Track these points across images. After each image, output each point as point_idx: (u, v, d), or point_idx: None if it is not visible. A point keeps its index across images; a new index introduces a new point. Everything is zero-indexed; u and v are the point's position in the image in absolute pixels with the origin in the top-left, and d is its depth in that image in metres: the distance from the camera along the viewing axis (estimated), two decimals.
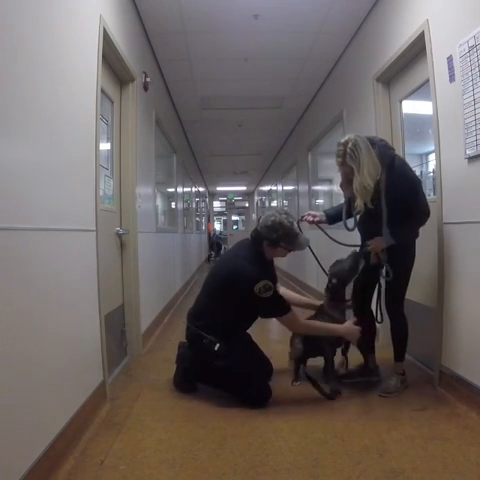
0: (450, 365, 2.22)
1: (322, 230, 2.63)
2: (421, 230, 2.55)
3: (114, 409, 2.17)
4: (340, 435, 1.87)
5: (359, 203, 2.17)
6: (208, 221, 15.59)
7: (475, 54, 1.93)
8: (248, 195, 18.22)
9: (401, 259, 2.28)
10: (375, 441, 1.80)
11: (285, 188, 8.87)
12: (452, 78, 2.13)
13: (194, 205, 9.64)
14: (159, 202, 4.74)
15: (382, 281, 2.39)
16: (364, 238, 2.41)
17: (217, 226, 18.99)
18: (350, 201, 2.33)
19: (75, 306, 1.90)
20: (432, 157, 2.71)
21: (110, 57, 2.61)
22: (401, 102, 3.01)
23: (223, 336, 2.27)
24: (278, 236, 2.26)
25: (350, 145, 2.13)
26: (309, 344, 2.45)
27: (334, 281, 2.37)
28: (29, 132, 1.49)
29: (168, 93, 5.08)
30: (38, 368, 1.50)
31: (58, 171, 1.75)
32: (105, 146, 2.79)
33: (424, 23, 2.37)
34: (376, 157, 2.14)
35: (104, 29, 2.31)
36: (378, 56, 3.11)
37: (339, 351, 2.59)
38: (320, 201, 5.93)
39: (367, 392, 2.34)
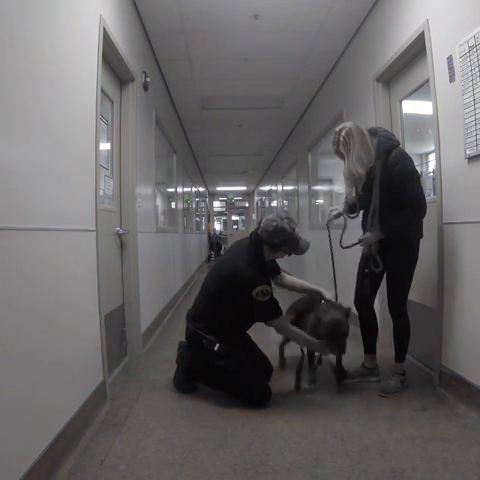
0: (450, 365, 2.22)
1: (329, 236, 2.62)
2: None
3: (114, 409, 2.17)
4: (340, 435, 1.87)
5: (349, 190, 2.24)
6: (208, 221, 15.59)
7: (475, 54, 1.92)
8: (248, 195, 18.23)
9: (403, 258, 2.27)
10: (375, 441, 1.80)
11: (285, 188, 8.88)
12: (452, 78, 2.13)
13: (194, 205, 9.64)
14: (159, 202, 4.74)
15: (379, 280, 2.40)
16: (362, 227, 2.42)
17: (217, 226, 18.98)
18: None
19: (75, 306, 1.90)
20: (432, 157, 2.71)
21: (110, 57, 2.61)
22: (401, 102, 3.01)
23: (222, 337, 2.28)
24: (279, 241, 2.26)
25: (343, 133, 2.20)
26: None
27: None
28: (29, 132, 1.49)
29: (168, 93, 5.08)
30: (38, 368, 1.50)
31: (58, 171, 1.75)
32: (105, 146, 2.79)
33: (424, 23, 2.37)
34: (373, 146, 2.18)
35: (104, 29, 2.31)
36: (378, 56, 3.11)
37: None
38: (320, 201, 5.93)
39: (367, 392, 2.34)
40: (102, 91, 2.38)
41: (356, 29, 3.58)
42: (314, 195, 5.96)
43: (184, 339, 2.46)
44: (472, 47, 1.94)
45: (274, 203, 10.80)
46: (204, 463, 1.66)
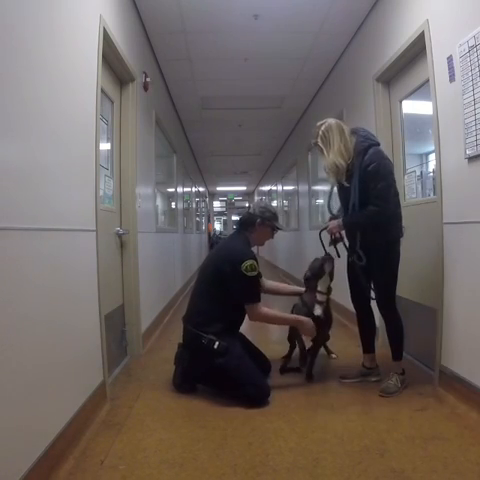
0: (450, 365, 2.22)
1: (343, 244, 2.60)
2: (421, 230, 2.56)
3: (114, 409, 2.17)
4: (340, 435, 1.87)
5: (331, 180, 2.37)
6: (208, 221, 15.59)
7: (475, 54, 1.92)
8: (248, 195, 18.23)
9: (385, 258, 2.30)
10: (375, 441, 1.80)
11: (285, 188, 8.88)
12: (452, 78, 2.13)
13: (194, 205, 9.64)
14: (159, 202, 4.74)
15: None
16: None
17: (217, 226, 18.99)
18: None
19: (75, 306, 1.90)
20: (432, 157, 2.71)
21: (110, 57, 2.61)
22: (401, 102, 3.01)
23: (220, 331, 2.32)
24: (270, 215, 2.56)
25: (323, 127, 2.31)
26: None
27: (308, 274, 2.65)
28: (29, 132, 1.49)
29: (168, 93, 5.08)
30: (38, 368, 1.50)
31: (58, 171, 1.75)
32: (105, 146, 2.79)
33: (424, 23, 2.37)
34: (350, 143, 2.29)
35: (104, 29, 2.31)
36: (378, 56, 3.11)
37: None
38: (320, 201, 5.93)
39: (367, 392, 2.34)
40: (102, 91, 2.38)
41: (356, 29, 3.58)
42: (314, 195, 5.96)
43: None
44: (472, 47, 1.94)
45: (274, 203, 10.80)
46: (204, 463, 1.66)
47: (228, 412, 2.13)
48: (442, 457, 1.65)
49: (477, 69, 1.92)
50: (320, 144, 2.32)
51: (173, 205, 6.04)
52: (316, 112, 5.37)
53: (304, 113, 6.03)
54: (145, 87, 3.44)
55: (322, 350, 2.88)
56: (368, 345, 2.54)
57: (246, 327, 2.55)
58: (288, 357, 2.79)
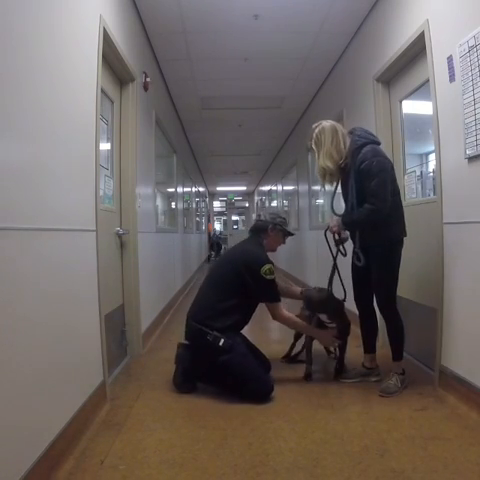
0: (450, 365, 2.22)
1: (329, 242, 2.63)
2: (421, 230, 2.56)
3: (114, 409, 2.17)
4: (340, 435, 1.87)
5: (320, 182, 2.45)
6: (208, 221, 15.58)
7: (475, 54, 1.92)
8: (248, 195, 18.23)
9: (385, 258, 2.30)
10: (375, 441, 1.80)
11: (285, 188, 8.88)
12: (452, 78, 2.13)
13: (194, 205, 9.64)
14: (159, 202, 4.74)
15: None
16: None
17: (217, 226, 18.98)
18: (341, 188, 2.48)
19: (75, 306, 1.90)
20: (432, 157, 2.71)
21: (110, 57, 2.61)
22: (401, 102, 3.01)
23: (225, 328, 2.36)
24: (280, 220, 2.68)
25: (317, 130, 2.37)
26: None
27: (307, 311, 2.63)
28: (29, 132, 1.49)
29: (168, 93, 5.08)
30: (38, 368, 1.50)
31: (58, 171, 1.75)
32: (105, 146, 2.79)
33: (424, 23, 2.36)
34: (343, 144, 2.31)
35: (104, 29, 2.31)
36: (378, 56, 3.11)
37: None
38: (320, 201, 5.93)
39: (367, 392, 2.34)
40: (102, 91, 2.38)
41: (356, 29, 3.58)
42: (314, 195, 5.96)
43: (183, 340, 2.49)
44: (472, 47, 1.94)
45: (274, 203, 10.80)
46: (204, 463, 1.66)
47: (228, 412, 2.13)
48: (442, 457, 1.65)
49: (477, 69, 1.92)
50: (313, 147, 2.39)
51: (173, 205, 6.04)
52: (316, 112, 5.37)
53: (304, 113, 6.03)
54: (145, 87, 3.44)
55: (322, 350, 2.89)
56: (369, 345, 2.54)
57: (246, 327, 2.55)
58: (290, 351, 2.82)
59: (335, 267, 2.56)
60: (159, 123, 4.25)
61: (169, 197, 5.75)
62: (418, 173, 2.94)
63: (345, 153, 2.32)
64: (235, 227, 19.54)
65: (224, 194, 18.07)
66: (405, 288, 2.75)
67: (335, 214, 2.55)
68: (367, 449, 1.74)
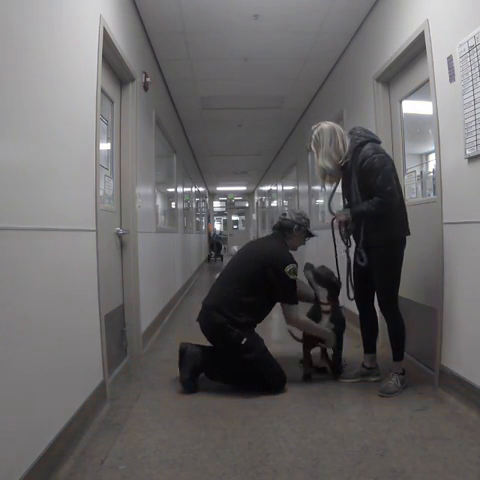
0: (450, 365, 2.22)
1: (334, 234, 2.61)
2: (421, 230, 2.56)
3: (114, 409, 2.17)
4: (340, 435, 1.87)
5: (320, 182, 2.47)
6: (208, 221, 15.58)
7: (475, 54, 1.92)
8: (248, 195, 18.23)
9: (387, 258, 2.30)
10: (375, 441, 1.80)
11: (285, 188, 8.88)
12: (452, 78, 2.13)
13: (194, 205, 9.64)
14: (159, 202, 4.74)
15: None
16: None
17: (217, 226, 18.98)
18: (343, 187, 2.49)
19: (75, 306, 1.90)
20: (432, 157, 2.71)
21: (110, 57, 2.61)
22: (401, 102, 3.01)
23: (245, 324, 2.42)
24: (305, 222, 2.71)
25: (315, 132, 2.39)
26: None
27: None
28: (29, 132, 1.49)
29: (168, 93, 5.08)
30: (38, 368, 1.50)
31: (58, 171, 1.75)
32: (105, 146, 2.79)
33: (424, 23, 2.36)
34: (342, 144, 2.33)
35: (104, 29, 2.31)
36: (378, 56, 3.11)
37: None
38: (320, 201, 5.93)
39: (367, 392, 2.34)
40: (102, 91, 2.38)
41: (356, 29, 3.58)
42: (314, 195, 5.96)
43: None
44: (472, 47, 1.94)
45: (274, 203, 10.80)
46: (204, 463, 1.66)
47: (228, 412, 2.13)
48: (442, 457, 1.65)
49: (477, 69, 1.92)
50: (312, 148, 2.41)
51: (173, 205, 6.04)
52: (316, 112, 5.37)
53: (304, 113, 6.03)
54: (145, 87, 3.44)
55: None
56: (369, 345, 2.54)
57: None
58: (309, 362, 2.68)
59: (349, 261, 2.50)
60: (159, 123, 4.25)
61: (169, 197, 5.75)
62: (418, 173, 2.94)
63: (345, 153, 2.33)
64: (235, 227, 19.54)
65: (224, 194, 18.08)
66: (405, 288, 2.74)
67: (332, 213, 2.55)
68: (367, 449, 1.74)
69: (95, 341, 2.16)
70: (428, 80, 2.38)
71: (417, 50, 2.58)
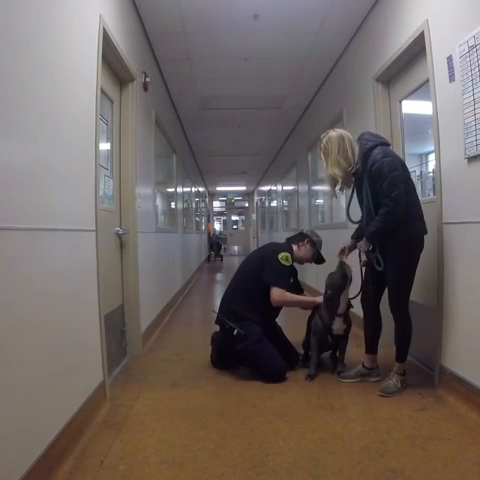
0: (450, 365, 2.22)
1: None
2: None
3: (114, 409, 2.17)
4: (340, 435, 1.87)
5: (330, 189, 2.46)
6: (208, 221, 15.58)
7: (475, 54, 1.92)
8: (248, 195, 18.23)
9: (404, 258, 2.26)
10: (375, 441, 1.80)
11: (285, 188, 8.88)
12: (452, 78, 2.13)
13: (194, 205, 9.64)
14: (159, 202, 4.74)
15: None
16: (365, 226, 2.43)
17: (217, 226, 18.98)
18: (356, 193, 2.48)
19: (75, 306, 1.90)
20: (432, 157, 2.71)
21: (110, 57, 2.61)
22: (401, 102, 3.01)
23: (245, 315, 2.66)
24: (318, 240, 2.95)
25: (324, 140, 2.41)
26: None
27: (329, 292, 2.60)
28: (30, 132, 1.49)
29: (168, 93, 5.08)
30: (38, 368, 1.50)
31: (58, 171, 1.75)
32: (105, 146, 2.79)
33: (424, 23, 2.36)
34: (351, 151, 2.32)
35: (104, 29, 2.31)
36: (378, 56, 3.11)
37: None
38: (320, 201, 5.94)
39: (367, 392, 2.34)
40: (102, 91, 2.38)
41: (356, 29, 3.58)
42: (314, 195, 5.96)
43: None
44: (472, 47, 1.94)
45: (274, 203, 10.80)
46: (204, 463, 1.66)
47: (228, 412, 2.13)
48: (442, 457, 1.65)
49: (477, 69, 1.92)
50: (322, 156, 2.43)
51: (173, 205, 6.04)
52: (316, 112, 5.37)
53: (304, 113, 6.03)
54: (145, 87, 3.44)
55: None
56: (372, 346, 2.52)
57: None
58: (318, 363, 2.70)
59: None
60: (159, 123, 4.25)
61: (169, 197, 5.75)
62: (418, 173, 2.95)
63: (354, 159, 2.32)
64: (235, 227, 19.53)
65: (224, 194, 18.08)
66: None
67: (351, 221, 2.55)
68: (367, 449, 1.74)
69: (95, 341, 2.16)
70: (428, 80, 2.38)
71: (417, 50, 2.58)
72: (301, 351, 2.88)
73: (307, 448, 1.77)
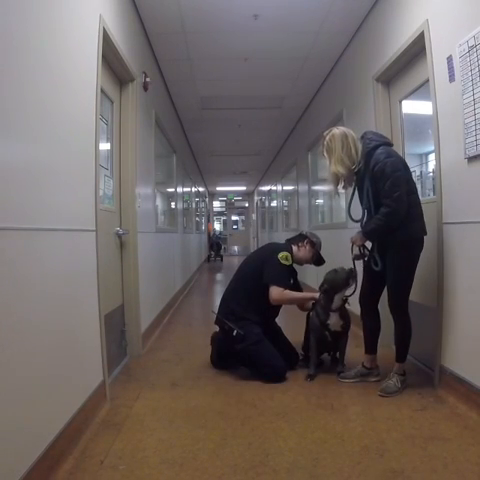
0: (450, 365, 2.22)
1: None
2: None
3: (114, 409, 2.17)
4: (340, 435, 1.87)
5: (333, 187, 2.45)
6: (208, 221, 15.58)
7: (475, 54, 1.92)
8: (248, 195, 18.23)
9: (404, 259, 2.27)
10: (375, 441, 1.80)
11: (285, 188, 8.88)
12: (452, 78, 2.13)
13: (194, 205, 9.64)
14: (159, 202, 4.74)
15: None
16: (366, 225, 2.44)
17: (217, 226, 18.98)
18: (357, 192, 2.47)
19: (75, 306, 1.90)
20: (432, 157, 2.71)
21: (110, 57, 2.61)
22: (401, 102, 3.01)
23: (243, 315, 2.67)
24: (317, 241, 2.96)
25: (327, 138, 2.40)
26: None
27: (326, 286, 2.62)
28: (30, 132, 1.49)
29: (168, 93, 5.08)
30: (37, 368, 1.50)
31: (58, 171, 1.75)
32: (105, 146, 2.79)
33: (424, 23, 2.36)
34: (355, 149, 2.32)
35: (104, 29, 2.31)
36: (378, 56, 3.11)
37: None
38: (320, 201, 5.94)
39: (367, 392, 2.34)
40: (102, 91, 2.38)
41: (356, 29, 3.58)
42: (314, 195, 5.96)
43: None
44: (472, 47, 1.94)
45: (274, 203, 10.80)
46: (204, 463, 1.66)
47: (228, 412, 2.13)
48: (442, 457, 1.65)
49: (477, 69, 1.92)
50: (325, 154, 2.42)
51: (173, 205, 6.04)
52: (316, 112, 5.37)
53: (304, 113, 6.03)
54: (145, 87, 3.44)
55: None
56: (371, 346, 2.52)
57: None
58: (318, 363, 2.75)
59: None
60: (159, 123, 4.25)
61: (169, 197, 5.75)
62: (418, 173, 2.95)
63: (357, 158, 2.32)
64: (235, 227, 19.53)
65: (224, 194, 18.08)
66: None
67: (352, 220, 2.53)
68: (367, 449, 1.74)
69: (95, 341, 2.16)
70: (428, 80, 2.38)
71: (417, 50, 2.58)
72: (301, 351, 2.88)
73: (307, 448, 1.77)
